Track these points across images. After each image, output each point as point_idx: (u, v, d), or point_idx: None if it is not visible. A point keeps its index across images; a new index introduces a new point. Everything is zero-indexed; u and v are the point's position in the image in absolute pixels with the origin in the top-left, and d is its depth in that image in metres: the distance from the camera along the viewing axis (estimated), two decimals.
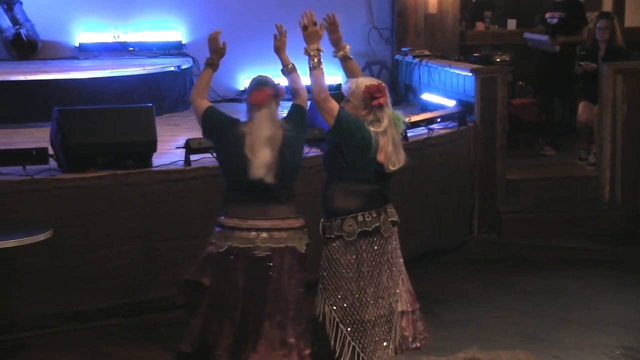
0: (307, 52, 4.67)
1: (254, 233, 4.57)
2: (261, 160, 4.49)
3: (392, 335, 4.88)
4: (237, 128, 4.62)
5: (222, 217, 4.65)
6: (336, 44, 4.97)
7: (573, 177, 9.38)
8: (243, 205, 4.60)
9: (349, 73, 4.97)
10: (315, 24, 4.69)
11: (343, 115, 4.63)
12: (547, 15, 10.24)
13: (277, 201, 4.61)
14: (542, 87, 10.35)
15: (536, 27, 11.18)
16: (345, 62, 4.98)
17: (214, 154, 4.64)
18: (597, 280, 7.53)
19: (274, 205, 4.61)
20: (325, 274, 4.80)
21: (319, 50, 4.63)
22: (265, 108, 4.58)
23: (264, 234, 4.56)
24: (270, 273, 4.60)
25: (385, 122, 4.74)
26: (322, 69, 4.63)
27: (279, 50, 4.91)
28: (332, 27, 4.98)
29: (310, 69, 4.63)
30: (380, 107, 4.72)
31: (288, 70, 4.82)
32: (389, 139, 4.76)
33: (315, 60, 4.61)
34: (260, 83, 4.65)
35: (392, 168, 4.82)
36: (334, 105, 4.62)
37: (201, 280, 4.66)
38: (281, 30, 4.84)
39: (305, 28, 4.68)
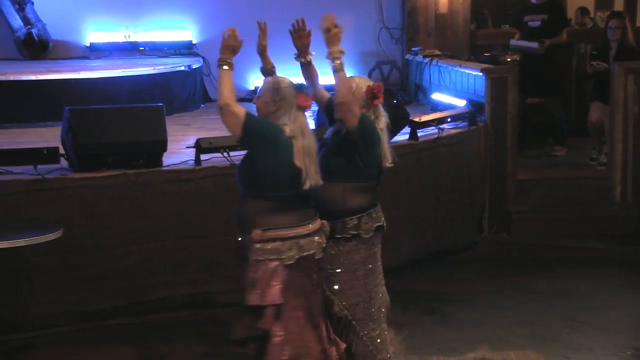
0: (330, 55, 4.58)
1: (316, 237, 4.53)
2: (316, 168, 4.49)
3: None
4: (283, 134, 4.45)
5: (271, 230, 4.43)
6: (304, 49, 4.90)
7: (584, 177, 9.35)
8: (287, 213, 4.47)
9: (309, 76, 4.94)
10: (336, 26, 4.65)
11: (365, 117, 4.71)
12: (527, 18, 10.11)
13: (309, 204, 4.58)
14: (531, 89, 9.97)
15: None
16: (307, 67, 4.93)
17: (250, 159, 4.41)
18: (608, 281, 7.49)
19: (307, 209, 4.56)
20: (337, 274, 4.80)
21: (341, 52, 4.57)
22: (304, 113, 4.56)
23: (317, 237, 4.53)
24: (319, 274, 4.63)
25: (383, 119, 4.89)
26: (344, 70, 4.60)
27: (264, 49, 4.96)
28: (302, 32, 4.93)
29: (335, 72, 4.57)
30: (379, 105, 4.86)
31: (267, 71, 4.89)
32: (385, 137, 4.92)
33: (339, 62, 4.57)
34: (300, 89, 4.56)
35: (387, 164, 5.00)
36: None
37: (281, 302, 4.45)
38: (264, 30, 4.80)
39: (327, 30, 4.62)
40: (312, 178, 4.46)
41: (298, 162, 4.42)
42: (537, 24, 9.99)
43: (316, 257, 4.54)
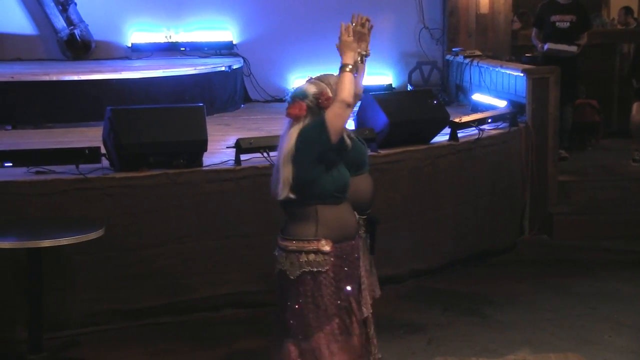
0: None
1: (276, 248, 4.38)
2: (285, 178, 4.20)
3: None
4: None
5: None
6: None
7: (626, 178, 9.26)
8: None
9: (358, 72, 4.85)
10: (363, 25, 4.63)
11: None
12: (555, 18, 9.82)
13: (286, 218, 4.33)
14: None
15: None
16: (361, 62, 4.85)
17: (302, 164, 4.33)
18: None
19: (284, 223, 4.34)
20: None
21: (360, 53, 4.51)
22: (299, 122, 4.24)
23: (275, 252, 4.34)
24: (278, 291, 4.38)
25: None
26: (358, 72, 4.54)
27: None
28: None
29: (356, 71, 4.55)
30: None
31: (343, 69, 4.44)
32: None
33: (359, 60, 4.55)
34: (296, 96, 4.28)
35: None
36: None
37: None
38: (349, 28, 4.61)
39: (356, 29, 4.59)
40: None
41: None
42: (566, 25, 9.79)
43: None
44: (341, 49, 4.39)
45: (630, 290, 7.27)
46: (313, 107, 4.23)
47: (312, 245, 4.23)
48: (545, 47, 9.79)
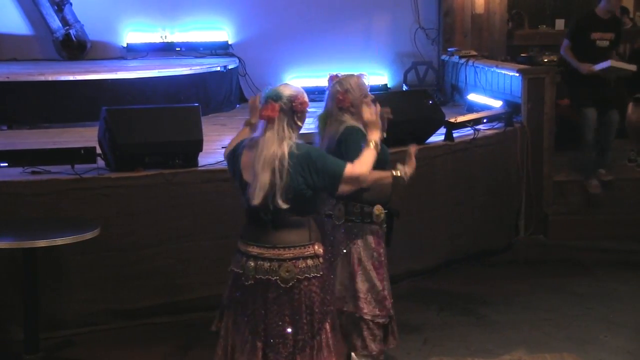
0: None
1: (244, 258, 4.25)
2: (261, 184, 4.08)
3: None
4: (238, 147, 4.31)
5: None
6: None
7: (622, 178, 9.26)
8: (246, 227, 4.34)
9: None
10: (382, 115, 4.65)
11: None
12: (596, 35, 9.04)
13: (273, 228, 4.20)
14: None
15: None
16: None
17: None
18: None
19: (268, 232, 4.21)
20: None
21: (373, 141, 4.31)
22: (273, 125, 4.12)
23: (251, 262, 4.22)
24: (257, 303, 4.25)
25: None
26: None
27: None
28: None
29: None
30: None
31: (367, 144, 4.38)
32: None
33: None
34: (269, 97, 4.15)
35: None
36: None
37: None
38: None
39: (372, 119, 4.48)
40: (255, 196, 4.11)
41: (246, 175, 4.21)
42: (605, 43, 9.07)
43: (243, 280, 4.24)
44: (368, 126, 4.39)
45: (626, 290, 7.28)
46: (286, 109, 4.14)
47: (309, 251, 4.22)
48: (606, 64, 8.86)
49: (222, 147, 7.01)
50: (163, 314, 6.53)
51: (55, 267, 6.18)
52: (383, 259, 5.15)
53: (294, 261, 4.19)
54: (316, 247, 4.25)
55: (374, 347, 5.10)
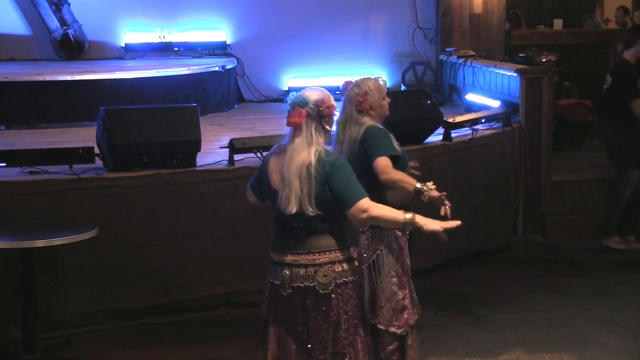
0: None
1: (279, 268, 4.17)
2: (295, 192, 4.03)
3: None
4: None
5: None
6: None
7: None
8: (277, 237, 4.26)
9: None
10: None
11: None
12: None
13: (306, 234, 4.12)
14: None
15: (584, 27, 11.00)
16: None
17: None
18: None
19: (301, 239, 4.14)
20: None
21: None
22: (301, 131, 4.08)
23: (286, 271, 4.14)
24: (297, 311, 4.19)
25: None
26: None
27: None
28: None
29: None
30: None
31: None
32: None
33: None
34: (295, 103, 4.11)
35: None
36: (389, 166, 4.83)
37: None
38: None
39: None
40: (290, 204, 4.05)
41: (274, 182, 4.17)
42: None
43: (281, 291, 4.15)
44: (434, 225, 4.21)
45: (624, 290, 7.28)
46: (313, 114, 4.09)
47: (345, 254, 4.15)
48: None
49: (221, 147, 7.06)
50: (161, 314, 6.53)
51: (53, 267, 6.18)
52: (407, 267, 5.04)
53: (329, 265, 4.11)
54: (351, 250, 4.18)
55: (382, 356, 5.01)
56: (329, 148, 4.17)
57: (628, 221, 8.54)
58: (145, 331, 6.38)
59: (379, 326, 4.93)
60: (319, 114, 4.10)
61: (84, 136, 7.57)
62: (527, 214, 8.86)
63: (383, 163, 4.81)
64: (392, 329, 4.95)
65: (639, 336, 6.29)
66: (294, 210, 4.03)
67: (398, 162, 4.89)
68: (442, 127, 7.87)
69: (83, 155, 6.43)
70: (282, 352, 4.21)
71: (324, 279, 4.10)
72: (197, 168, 6.67)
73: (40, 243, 5.33)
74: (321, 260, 4.11)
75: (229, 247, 6.67)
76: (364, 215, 4.01)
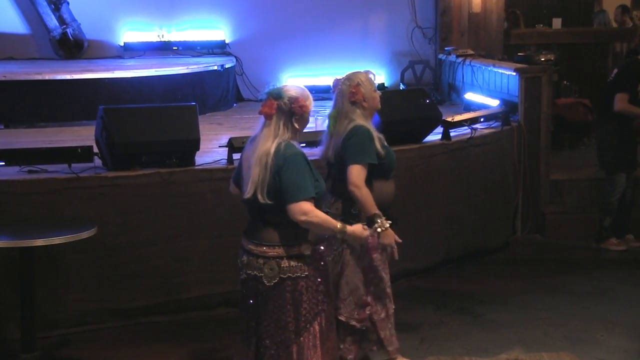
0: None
1: (241, 252, 4.37)
2: (252, 178, 4.16)
3: None
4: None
5: None
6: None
7: None
8: (247, 223, 4.44)
9: None
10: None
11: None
12: None
13: (263, 224, 4.27)
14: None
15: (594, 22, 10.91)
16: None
17: None
18: None
19: (259, 228, 4.29)
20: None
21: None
22: (271, 122, 4.19)
23: (244, 257, 4.33)
24: (250, 297, 4.36)
25: None
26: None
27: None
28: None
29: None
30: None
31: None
32: None
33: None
34: (270, 94, 4.22)
35: None
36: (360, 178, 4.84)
37: None
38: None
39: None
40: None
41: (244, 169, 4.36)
42: None
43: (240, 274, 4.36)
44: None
45: (623, 289, 7.29)
46: (285, 109, 4.18)
47: (294, 251, 4.23)
48: None
49: (219, 146, 7.06)
50: (160, 313, 6.53)
51: (52, 266, 6.17)
52: (376, 264, 5.06)
53: (277, 260, 4.22)
54: (302, 247, 4.24)
55: (341, 347, 5.03)
56: (296, 144, 4.25)
57: (621, 221, 8.53)
58: (144, 330, 6.38)
59: (339, 317, 4.97)
60: (291, 111, 4.20)
61: (82, 135, 7.56)
62: (526, 213, 8.87)
63: (355, 172, 4.83)
64: (353, 322, 5.02)
65: (637, 335, 6.29)
66: (249, 195, 4.17)
67: (376, 168, 4.89)
68: (441, 126, 7.87)
69: (82, 154, 6.43)
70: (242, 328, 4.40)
71: (270, 272, 4.24)
72: (196, 167, 6.67)
73: (39, 242, 5.32)
74: (270, 253, 4.24)
75: (227, 246, 6.65)
76: (303, 217, 4.11)
